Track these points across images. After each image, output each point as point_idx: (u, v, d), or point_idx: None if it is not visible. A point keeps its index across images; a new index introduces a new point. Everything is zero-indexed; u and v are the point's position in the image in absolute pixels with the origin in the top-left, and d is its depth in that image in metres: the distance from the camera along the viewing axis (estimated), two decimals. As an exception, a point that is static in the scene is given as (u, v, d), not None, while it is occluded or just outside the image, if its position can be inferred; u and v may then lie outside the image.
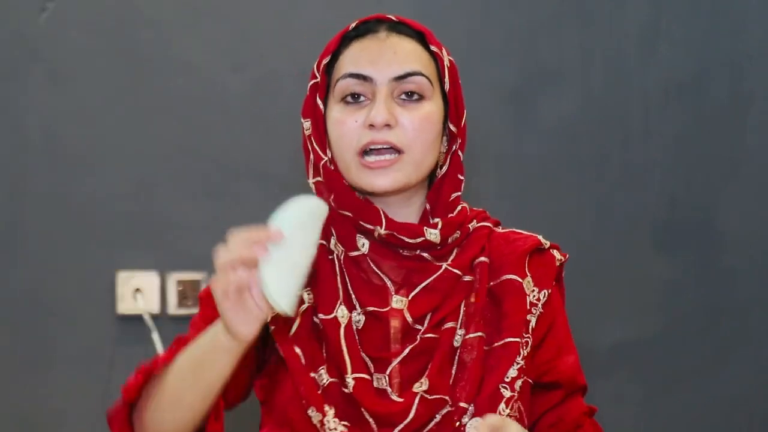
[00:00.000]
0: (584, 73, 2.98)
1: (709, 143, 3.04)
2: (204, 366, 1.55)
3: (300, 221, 1.48)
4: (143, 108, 2.80)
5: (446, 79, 1.69)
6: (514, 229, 1.77)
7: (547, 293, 1.70)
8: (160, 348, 2.77)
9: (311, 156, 1.69)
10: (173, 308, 2.79)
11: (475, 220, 1.73)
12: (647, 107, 3.01)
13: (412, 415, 1.60)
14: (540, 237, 1.75)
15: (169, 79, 2.80)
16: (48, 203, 2.77)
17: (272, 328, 1.62)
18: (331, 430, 1.59)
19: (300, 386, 1.61)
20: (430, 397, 1.61)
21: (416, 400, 1.61)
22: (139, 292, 2.78)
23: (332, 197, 1.66)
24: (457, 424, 1.61)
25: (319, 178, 1.69)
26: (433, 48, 1.69)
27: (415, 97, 1.65)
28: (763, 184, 3.06)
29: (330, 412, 1.59)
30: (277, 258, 1.45)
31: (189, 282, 2.78)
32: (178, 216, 2.81)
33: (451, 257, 1.68)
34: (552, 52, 2.96)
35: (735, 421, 3.08)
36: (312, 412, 1.59)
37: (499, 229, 1.75)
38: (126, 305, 2.78)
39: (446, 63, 1.70)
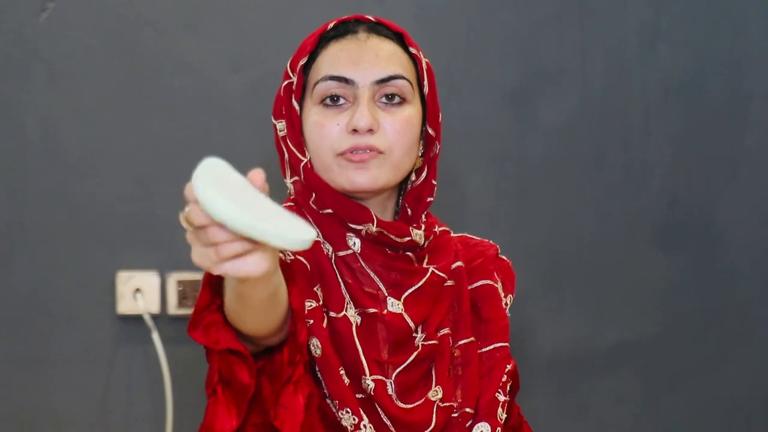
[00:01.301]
0: (584, 73, 2.98)
1: (709, 143, 3.04)
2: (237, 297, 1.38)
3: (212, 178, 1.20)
4: (143, 108, 2.80)
5: (425, 82, 1.67)
6: (465, 234, 1.78)
7: (512, 298, 1.74)
8: (160, 348, 2.77)
9: (286, 156, 1.66)
10: (173, 308, 2.79)
11: (436, 225, 1.72)
12: (647, 107, 3.01)
13: (433, 424, 1.60)
14: (490, 242, 1.78)
15: (169, 79, 2.80)
16: (48, 203, 2.77)
17: (311, 321, 1.56)
18: None
19: (333, 386, 1.57)
20: (442, 405, 1.61)
21: (434, 408, 1.61)
22: (139, 292, 2.78)
23: (313, 197, 1.64)
24: (467, 425, 1.62)
25: (297, 178, 1.65)
26: (412, 50, 1.66)
27: (397, 100, 1.63)
28: (763, 184, 3.06)
29: (365, 416, 1.57)
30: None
31: (189, 282, 2.78)
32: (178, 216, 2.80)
33: (425, 261, 1.67)
34: (552, 52, 2.96)
35: (735, 421, 3.08)
36: (345, 415, 1.56)
37: (452, 234, 1.75)
38: (126, 305, 2.78)
39: (424, 65, 1.67)
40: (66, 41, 2.77)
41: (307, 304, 1.57)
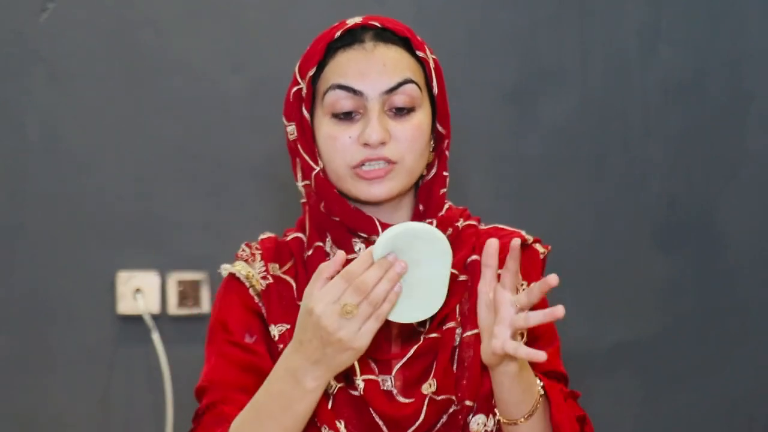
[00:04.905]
0: (584, 73, 2.98)
1: (709, 143, 3.04)
2: (286, 414, 1.53)
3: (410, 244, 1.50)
4: (143, 108, 2.80)
5: (434, 83, 1.67)
6: (497, 225, 1.76)
7: (525, 284, 1.69)
8: (160, 348, 2.77)
9: (298, 160, 1.69)
10: (173, 308, 2.79)
11: (462, 219, 1.72)
12: (647, 107, 3.01)
13: (422, 417, 1.60)
14: (523, 232, 1.74)
15: (169, 79, 2.81)
16: (48, 203, 2.77)
17: (281, 346, 1.60)
18: None
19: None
20: (438, 398, 1.61)
21: (426, 402, 1.61)
22: (139, 292, 2.78)
23: (323, 204, 1.65)
24: (463, 422, 1.62)
25: (308, 182, 1.68)
26: (419, 53, 1.66)
27: (406, 110, 1.63)
28: (763, 184, 3.06)
29: (341, 426, 1.58)
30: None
31: (189, 282, 2.78)
32: (178, 216, 2.81)
33: None
34: (552, 52, 2.97)
35: (735, 421, 3.08)
36: (325, 430, 1.59)
37: (482, 226, 1.74)
38: (126, 305, 2.78)
39: (432, 66, 1.67)
40: (66, 41, 2.77)
41: (278, 328, 1.62)
